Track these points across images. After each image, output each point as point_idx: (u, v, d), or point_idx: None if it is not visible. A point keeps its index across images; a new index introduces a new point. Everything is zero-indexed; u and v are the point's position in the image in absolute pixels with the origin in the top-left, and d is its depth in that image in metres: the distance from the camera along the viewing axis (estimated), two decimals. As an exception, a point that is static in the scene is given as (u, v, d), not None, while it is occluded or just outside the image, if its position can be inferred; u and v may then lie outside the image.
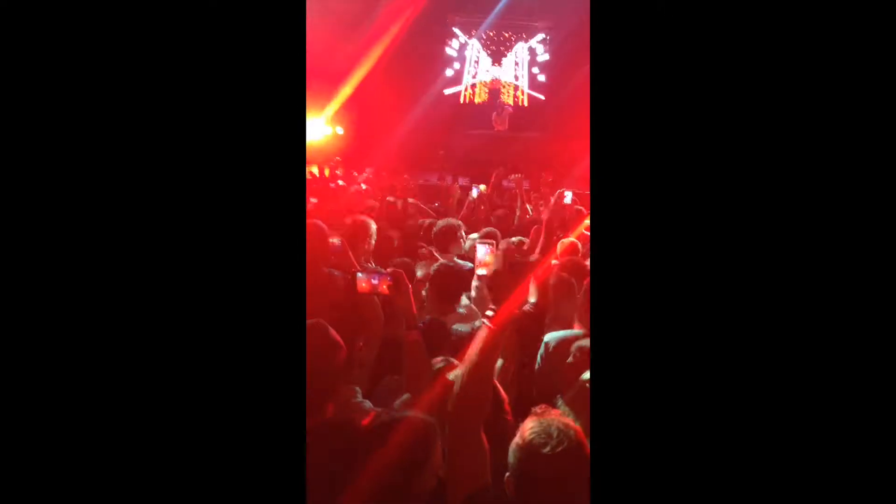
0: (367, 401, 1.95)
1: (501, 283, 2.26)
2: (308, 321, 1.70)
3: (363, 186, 6.05)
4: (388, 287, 2.15)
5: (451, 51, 12.90)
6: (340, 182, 5.77)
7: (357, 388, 1.96)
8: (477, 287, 2.74)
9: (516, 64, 13.01)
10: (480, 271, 2.44)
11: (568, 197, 5.66)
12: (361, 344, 2.11)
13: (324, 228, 2.79)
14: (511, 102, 12.56)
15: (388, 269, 2.34)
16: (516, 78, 12.93)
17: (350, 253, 2.70)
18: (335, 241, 2.56)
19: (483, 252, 2.48)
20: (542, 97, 12.84)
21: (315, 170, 6.47)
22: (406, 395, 1.93)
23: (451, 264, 2.88)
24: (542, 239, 3.69)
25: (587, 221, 4.33)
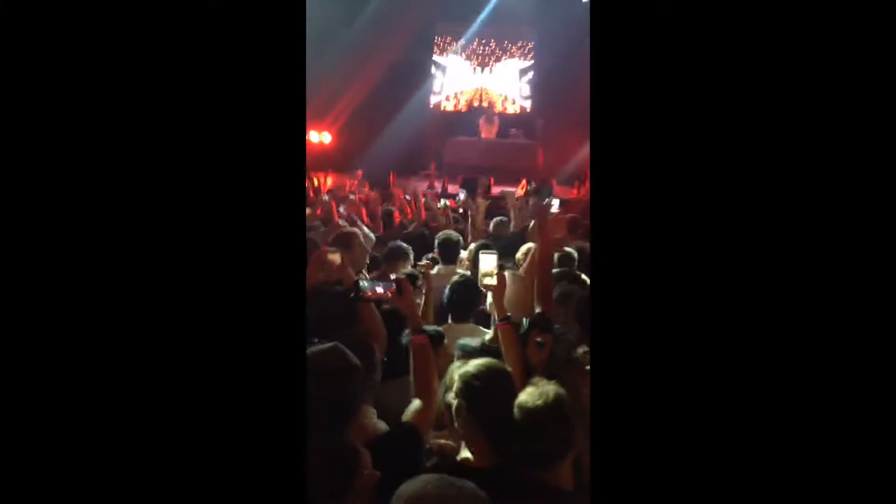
0: (382, 421, 1.95)
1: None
2: (326, 345, 1.71)
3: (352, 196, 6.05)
4: (392, 293, 2.17)
5: (437, 58, 12.96)
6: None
7: (373, 410, 1.96)
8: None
9: (501, 71, 13.10)
10: (488, 280, 2.44)
11: (555, 205, 5.70)
12: (384, 358, 2.10)
13: (319, 244, 2.81)
14: (498, 110, 12.62)
15: (392, 276, 2.35)
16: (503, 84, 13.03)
17: (349, 268, 2.71)
18: (335, 257, 2.58)
19: (489, 262, 2.47)
20: (528, 105, 12.92)
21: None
22: (417, 403, 1.94)
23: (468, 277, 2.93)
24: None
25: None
